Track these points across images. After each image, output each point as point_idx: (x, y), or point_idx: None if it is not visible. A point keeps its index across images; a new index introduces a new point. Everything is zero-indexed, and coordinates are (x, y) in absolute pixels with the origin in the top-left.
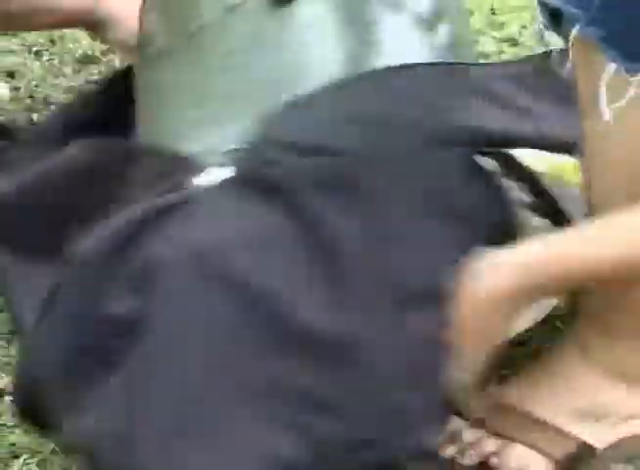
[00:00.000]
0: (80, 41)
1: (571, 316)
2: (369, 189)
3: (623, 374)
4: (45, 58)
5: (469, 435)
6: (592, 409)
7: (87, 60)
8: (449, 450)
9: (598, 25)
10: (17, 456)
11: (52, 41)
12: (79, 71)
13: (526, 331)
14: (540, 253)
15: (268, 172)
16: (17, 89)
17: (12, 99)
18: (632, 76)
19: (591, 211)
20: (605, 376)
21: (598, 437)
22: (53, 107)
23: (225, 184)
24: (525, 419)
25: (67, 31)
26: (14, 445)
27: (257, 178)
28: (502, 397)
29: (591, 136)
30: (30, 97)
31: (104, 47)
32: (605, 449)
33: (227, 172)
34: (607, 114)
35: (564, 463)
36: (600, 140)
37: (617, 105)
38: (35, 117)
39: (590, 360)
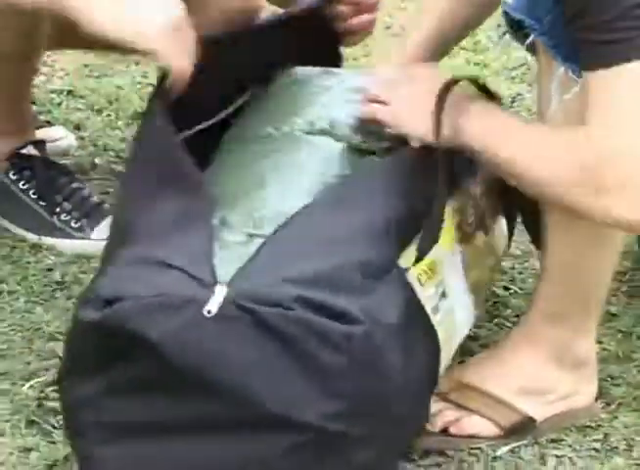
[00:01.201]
0: (132, 101)
1: (517, 316)
2: None
3: (563, 358)
4: (105, 114)
5: (435, 406)
6: (535, 387)
7: (137, 116)
8: None
9: (548, 36)
10: None
11: (110, 102)
12: (131, 125)
13: (479, 328)
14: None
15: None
16: (82, 139)
17: (78, 147)
18: (577, 77)
19: None
20: (547, 360)
21: (538, 410)
22: (111, 153)
23: None
24: (480, 394)
25: (121, 93)
26: None
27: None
28: (461, 376)
29: (546, 117)
30: (94, 145)
31: None
32: (543, 421)
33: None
34: (557, 102)
35: (509, 431)
36: (553, 120)
37: (566, 97)
38: (97, 160)
39: (535, 346)
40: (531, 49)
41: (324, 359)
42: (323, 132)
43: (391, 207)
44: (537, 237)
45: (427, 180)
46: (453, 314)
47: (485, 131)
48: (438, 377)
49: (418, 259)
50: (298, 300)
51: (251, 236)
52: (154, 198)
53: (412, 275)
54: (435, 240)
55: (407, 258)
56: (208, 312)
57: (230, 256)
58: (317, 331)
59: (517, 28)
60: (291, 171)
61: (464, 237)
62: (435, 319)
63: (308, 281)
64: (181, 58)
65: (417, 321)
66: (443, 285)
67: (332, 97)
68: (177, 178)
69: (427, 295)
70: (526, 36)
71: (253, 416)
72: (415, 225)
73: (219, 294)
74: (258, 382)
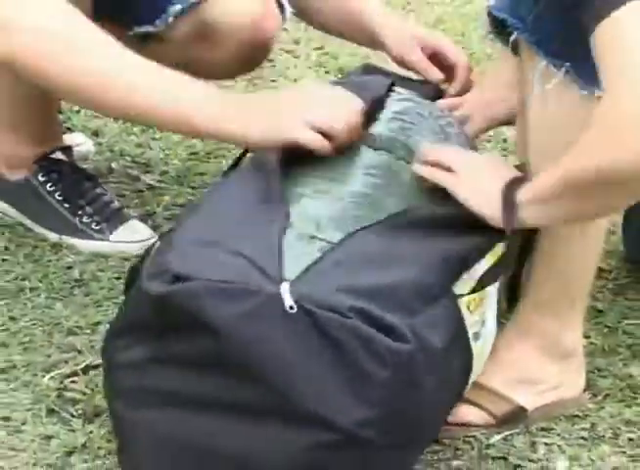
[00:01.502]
0: None
1: (512, 314)
2: None
3: (551, 350)
4: (121, 121)
5: None
6: (526, 378)
7: None
8: None
9: (531, 32)
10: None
11: None
12: (146, 131)
13: None
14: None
15: None
16: (100, 144)
17: (96, 152)
18: (557, 70)
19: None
20: (536, 352)
21: (529, 400)
22: (127, 158)
23: None
24: (474, 386)
25: None
26: None
27: None
28: None
29: (529, 107)
30: (110, 150)
31: None
32: (534, 410)
33: None
34: (538, 91)
35: (502, 419)
36: (534, 109)
37: (547, 87)
38: (113, 165)
39: (525, 339)
40: (514, 48)
41: (367, 369)
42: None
43: (453, 238)
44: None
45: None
46: (486, 343)
47: (552, 206)
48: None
49: (475, 290)
50: (353, 309)
51: (312, 238)
52: (235, 188)
53: (463, 302)
54: (499, 275)
55: (463, 285)
56: (272, 306)
57: (294, 254)
58: (366, 341)
59: (500, 28)
60: (353, 183)
61: None
62: (475, 346)
63: (365, 293)
64: (324, 143)
65: (459, 346)
66: (485, 315)
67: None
68: (259, 172)
69: (472, 322)
70: (509, 34)
71: (288, 409)
72: (474, 258)
73: (284, 291)
74: (302, 378)
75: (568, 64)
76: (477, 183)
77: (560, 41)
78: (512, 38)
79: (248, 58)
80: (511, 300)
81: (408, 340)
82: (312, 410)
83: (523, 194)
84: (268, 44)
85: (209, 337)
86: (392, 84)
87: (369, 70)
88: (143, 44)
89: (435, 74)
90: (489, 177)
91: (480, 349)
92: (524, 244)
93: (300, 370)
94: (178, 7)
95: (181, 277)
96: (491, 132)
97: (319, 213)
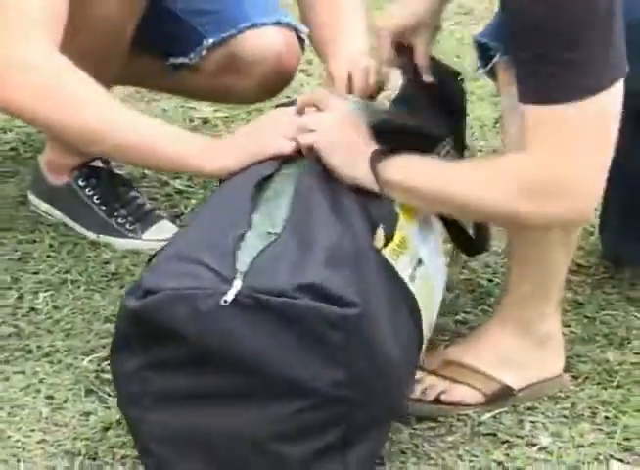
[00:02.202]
0: (176, 122)
1: (498, 304)
2: None
3: (532, 336)
4: None
5: (427, 381)
6: (509, 360)
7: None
8: (415, 392)
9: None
10: None
11: (155, 115)
12: None
13: (467, 314)
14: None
15: None
16: None
17: None
18: None
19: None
20: (519, 338)
21: (514, 380)
22: None
23: None
24: (464, 368)
25: (167, 115)
26: None
27: None
28: (448, 354)
29: (508, 125)
30: None
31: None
32: (519, 389)
33: None
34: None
35: (491, 397)
36: (513, 128)
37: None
38: (146, 171)
39: (508, 328)
40: (492, 72)
41: (325, 338)
42: None
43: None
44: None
45: None
46: (429, 279)
47: (420, 179)
48: (424, 337)
49: (387, 240)
50: (299, 288)
51: (269, 234)
52: (213, 203)
53: (387, 253)
54: (396, 220)
55: (378, 240)
56: (225, 302)
57: (249, 251)
58: (318, 314)
59: (484, 52)
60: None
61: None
62: (414, 285)
63: (306, 269)
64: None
65: (399, 293)
66: (418, 255)
67: None
68: (234, 184)
69: (402, 266)
70: (491, 58)
71: (267, 385)
72: (378, 213)
73: (235, 287)
74: (271, 358)
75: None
76: (340, 146)
77: None
78: (494, 60)
79: (271, 86)
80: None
81: (356, 304)
82: (288, 383)
83: (392, 173)
84: (290, 75)
85: (182, 339)
86: None
87: None
88: (177, 73)
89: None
90: (349, 142)
91: (421, 287)
92: None
93: (268, 352)
94: (211, 41)
95: (149, 291)
96: (482, 142)
97: (274, 213)
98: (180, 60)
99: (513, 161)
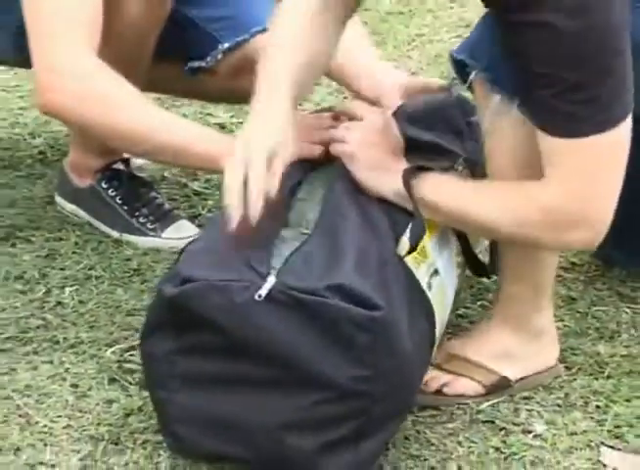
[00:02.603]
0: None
1: (495, 300)
2: None
3: (527, 331)
4: None
5: (431, 373)
6: (506, 353)
7: None
8: None
9: (489, 72)
10: None
11: None
12: None
13: (467, 309)
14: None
15: None
16: None
17: (151, 163)
18: (510, 104)
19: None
20: (515, 333)
21: (511, 372)
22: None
23: None
24: (465, 361)
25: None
26: None
27: None
28: (450, 349)
29: (488, 138)
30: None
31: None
32: (516, 380)
33: None
34: (490, 123)
35: (489, 389)
36: (489, 141)
37: (497, 118)
38: (166, 173)
39: (505, 324)
40: (470, 87)
41: (351, 336)
42: None
43: (386, 211)
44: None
45: None
46: (444, 288)
47: (449, 199)
48: (436, 339)
49: (412, 250)
50: (329, 288)
51: (302, 234)
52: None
53: (409, 260)
54: (423, 232)
55: (402, 248)
56: (259, 296)
57: (283, 248)
58: (346, 315)
59: (460, 68)
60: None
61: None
62: (430, 293)
63: (337, 271)
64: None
65: (417, 297)
66: (435, 265)
67: None
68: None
69: (420, 275)
70: (468, 74)
71: (292, 377)
72: (405, 222)
73: (269, 282)
74: (298, 352)
75: (519, 99)
76: (370, 160)
77: (512, 80)
78: (470, 77)
79: None
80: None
81: (381, 306)
82: (313, 376)
83: (424, 192)
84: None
85: (214, 327)
86: None
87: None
88: (195, 76)
89: None
90: (378, 154)
91: (436, 294)
92: None
93: (296, 346)
94: (226, 45)
95: (187, 279)
96: None
97: (306, 214)
98: (197, 64)
99: (539, 191)
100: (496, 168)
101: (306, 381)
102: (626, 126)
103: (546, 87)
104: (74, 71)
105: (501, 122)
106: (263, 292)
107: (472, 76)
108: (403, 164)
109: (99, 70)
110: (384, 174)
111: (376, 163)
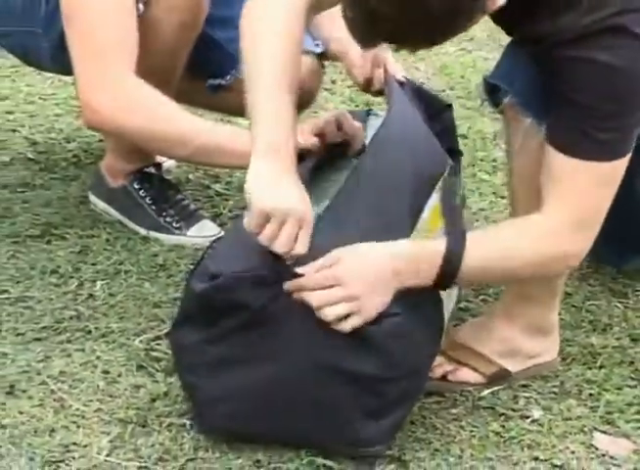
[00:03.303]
0: None
1: (497, 294)
2: None
3: (533, 329)
4: None
5: (436, 360)
6: (510, 349)
7: None
8: None
9: (521, 97)
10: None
11: None
12: None
13: (469, 302)
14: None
15: None
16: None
17: (177, 166)
18: (540, 126)
19: (513, 204)
20: (520, 330)
21: (513, 365)
22: (201, 171)
23: None
24: (470, 351)
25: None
26: None
27: None
28: (456, 338)
29: (515, 159)
30: (187, 165)
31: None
32: (516, 372)
33: None
34: (522, 146)
35: (490, 378)
36: (519, 161)
37: (530, 142)
38: (190, 176)
39: (511, 320)
40: (501, 110)
41: (368, 326)
42: None
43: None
44: None
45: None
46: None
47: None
48: (445, 322)
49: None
50: None
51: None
52: None
53: None
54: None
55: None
56: (284, 287)
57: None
58: None
59: (491, 92)
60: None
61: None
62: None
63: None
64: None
65: (428, 291)
66: None
67: None
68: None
69: None
70: (499, 98)
71: (310, 360)
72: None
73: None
74: (318, 339)
75: (547, 122)
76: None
77: (543, 104)
78: (505, 100)
79: (297, 104)
80: None
81: (398, 313)
82: (332, 362)
83: (467, 268)
84: (312, 95)
85: (241, 309)
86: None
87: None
88: (215, 92)
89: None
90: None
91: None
92: None
93: (316, 334)
94: None
95: (214, 275)
96: (485, 152)
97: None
98: (218, 81)
99: (544, 221)
100: (519, 184)
101: (325, 364)
102: (627, 159)
103: (582, 115)
104: (118, 90)
105: (530, 144)
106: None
107: (506, 100)
108: (382, 274)
109: (140, 86)
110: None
111: (374, 284)
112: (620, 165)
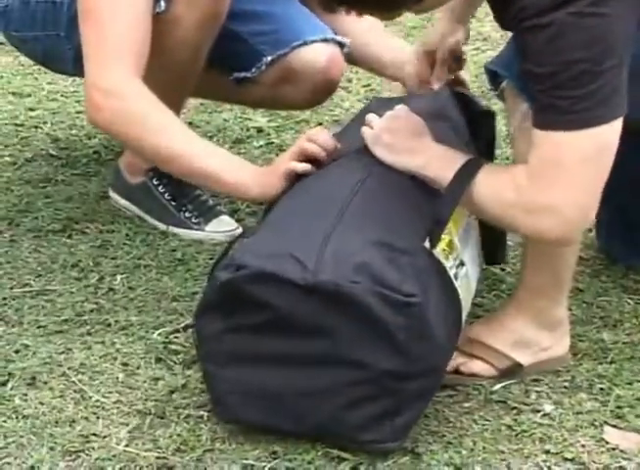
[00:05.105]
0: (235, 131)
1: (510, 290)
2: None
3: (544, 322)
4: (214, 139)
5: None
6: (522, 342)
7: (238, 141)
8: None
9: (517, 81)
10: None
11: (219, 130)
12: (233, 147)
13: (482, 298)
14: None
15: None
16: None
17: None
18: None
19: None
20: (532, 323)
21: (525, 358)
22: None
23: None
24: (483, 346)
25: (227, 124)
26: None
27: None
28: (469, 333)
29: (514, 140)
30: None
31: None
32: (528, 366)
33: None
34: (518, 129)
35: (502, 372)
36: (518, 142)
37: (527, 124)
38: None
39: (524, 314)
40: (501, 95)
41: (387, 322)
42: None
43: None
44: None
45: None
46: (469, 278)
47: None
48: (462, 322)
49: (433, 243)
50: (361, 273)
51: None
52: (297, 197)
53: (438, 253)
54: (443, 229)
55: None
56: (306, 285)
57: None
58: (383, 301)
59: (493, 78)
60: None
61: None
62: (457, 283)
63: (375, 265)
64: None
65: (446, 286)
66: (460, 258)
67: None
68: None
69: (449, 266)
70: (499, 83)
71: (331, 357)
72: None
73: (314, 273)
74: (339, 335)
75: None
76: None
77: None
78: (502, 85)
79: (319, 95)
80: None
81: (415, 294)
82: (352, 357)
83: (480, 182)
84: (335, 83)
85: (262, 308)
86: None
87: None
88: (240, 85)
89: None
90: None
91: (461, 283)
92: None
93: (337, 330)
94: (269, 58)
95: (241, 266)
96: (499, 150)
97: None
98: (243, 74)
99: (519, 173)
100: (520, 164)
101: (346, 363)
102: (612, 130)
103: (547, 87)
104: (118, 93)
105: (527, 126)
106: (310, 281)
107: (503, 85)
108: (429, 144)
109: (141, 93)
110: (408, 156)
111: (400, 146)
112: (597, 138)
